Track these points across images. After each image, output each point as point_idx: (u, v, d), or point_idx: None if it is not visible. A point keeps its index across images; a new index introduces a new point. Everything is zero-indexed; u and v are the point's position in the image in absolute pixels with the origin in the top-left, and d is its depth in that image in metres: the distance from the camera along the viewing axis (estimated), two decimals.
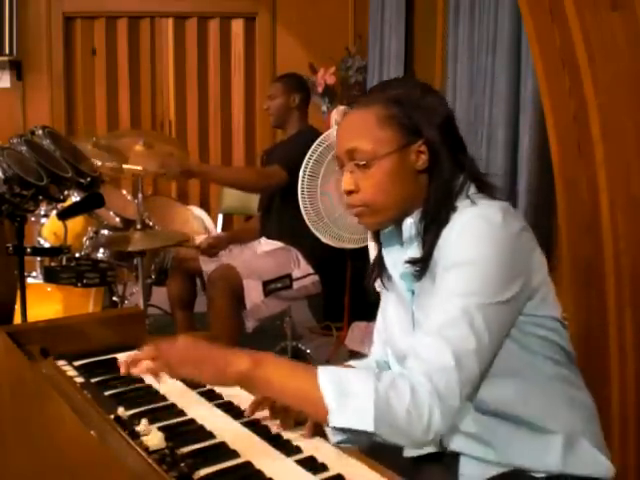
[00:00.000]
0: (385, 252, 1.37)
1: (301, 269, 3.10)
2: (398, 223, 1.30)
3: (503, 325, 1.16)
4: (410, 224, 1.27)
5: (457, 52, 3.35)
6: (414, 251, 1.27)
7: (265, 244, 3.20)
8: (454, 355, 1.08)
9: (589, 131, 1.78)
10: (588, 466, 1.23)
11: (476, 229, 1.17)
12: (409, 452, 1.36)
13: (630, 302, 1.80)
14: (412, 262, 1.24)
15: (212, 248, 3.19)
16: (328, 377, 1.06)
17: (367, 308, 3.25)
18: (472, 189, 1.26)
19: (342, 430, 1.06)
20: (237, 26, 4.86)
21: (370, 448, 1.36)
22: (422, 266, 1.23)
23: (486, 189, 1.27)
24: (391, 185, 1.24)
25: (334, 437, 1.10)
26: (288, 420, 1.20)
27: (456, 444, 1.27)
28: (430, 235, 1.22)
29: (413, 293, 1.30)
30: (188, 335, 1.17)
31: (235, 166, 3.16)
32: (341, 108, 2.89)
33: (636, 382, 1.81)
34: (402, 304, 1.34)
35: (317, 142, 2.56)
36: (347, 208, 1.31)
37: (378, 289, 1.46)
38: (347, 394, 1.05)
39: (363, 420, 1.04)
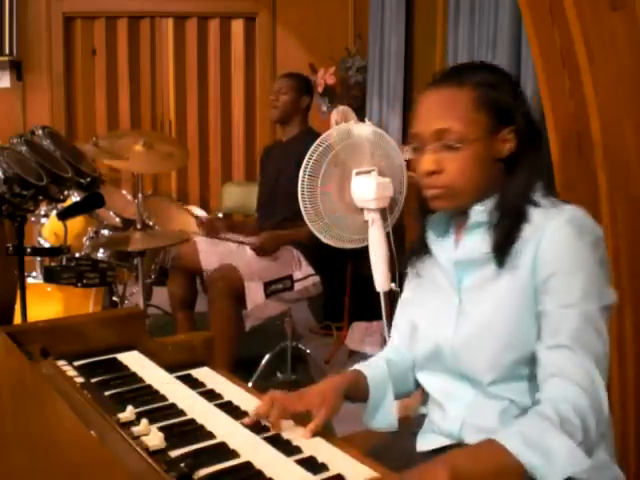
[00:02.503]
0: (431, 236, 1.35)
1: (302, 270, 3.10)
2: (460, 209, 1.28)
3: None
4: (479, 211, 1.25)
5: (457, 52, 3.35)
6: (475, 238, 1.26)
7: None
8: (596, 366, 1.10)
9: (589, 131, 1.78)
10: (601, 475, 1.22)
11: (572, 236, 1.17)
12: (422, 446, 1.36)
13: (630, 302, 1.79)
14: (499, 249, 1.21)
15: (211, 227, 3.15)
16: (515, 442, 1.01)
17: (367, 308, 3.27)
18: (543, 189, 1.25)
19: None
20: (237, 26, 4.86)
21: (381, 445, 1.36)
22: (502, 256, 1.21)
23: (550, 188, 1.28)
24: (476, 170, 1.22)
25: None
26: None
27: (474, 438, 1.26)
28: (505, 226, 1.21)
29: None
30: None
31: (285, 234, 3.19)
32: (341, 108, 2.89)
33: (636, 382, 1.81)
34: (440, 292, 1.32)
35: (317, 142, 2.55)
36: (424, 188, 1.27)
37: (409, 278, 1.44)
38: (544, 449, 1.01)
39: (576, 461, 1.02)
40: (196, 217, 3.18)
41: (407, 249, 1.43)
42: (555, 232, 1.18)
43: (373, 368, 1.40)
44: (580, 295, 1.14)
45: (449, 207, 1.28)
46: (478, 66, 1.31)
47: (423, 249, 1.37)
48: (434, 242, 1.35)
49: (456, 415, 1.29)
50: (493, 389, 1.23)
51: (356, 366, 1.40)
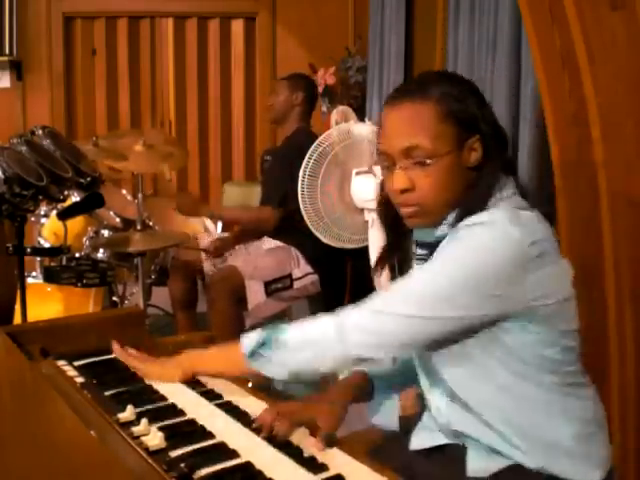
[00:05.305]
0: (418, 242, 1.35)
1: (301, 269, 3.10)
2: None
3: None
4: (442, 228, 1.25)
5: (457, 52, 3.34)
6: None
7: (267, 242, 3.21)
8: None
9: (589, 131, 1.78)
10: (593, 468, 1.22)
11: (477, 235, 1.16)
12: (414, 444, 1.36)
13: (630, 302, 1.80)
14: (422, 245, 1.25)
15: (218, 250, 3.19)
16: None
17: None
18: (509, 190, 1.24)
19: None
20: (237, 26, 4.86)
21: (381, 445, 1.36)
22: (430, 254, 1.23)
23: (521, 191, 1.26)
24: (448, 183, 1.22)
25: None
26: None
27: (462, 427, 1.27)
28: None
29: None
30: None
31: (242, 209, 3.28)
32: (341, 108, 2.89)
33: (636, 382, 1.81)
34: None
35: (317, 142, 2.56)
36: (399, 207, 1.26)
37: None
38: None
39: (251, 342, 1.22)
40: (202, 250, 3.20)
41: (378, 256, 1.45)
42: (463, 229, 1.18)
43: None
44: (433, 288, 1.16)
45: (425, 224, 1.27)
46: (439, 77, 1.29)
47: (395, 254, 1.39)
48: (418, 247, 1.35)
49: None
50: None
51: None
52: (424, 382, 1.33)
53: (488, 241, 1.15)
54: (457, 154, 1.21)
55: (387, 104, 1.26)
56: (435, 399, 1.30)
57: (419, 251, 1.30)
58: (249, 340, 1.25)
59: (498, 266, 1.14)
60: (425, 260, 1.26)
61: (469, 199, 1.22)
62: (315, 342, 1.20)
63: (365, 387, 1.37)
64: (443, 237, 1.23)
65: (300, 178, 2.55)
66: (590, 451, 1.24)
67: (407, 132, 1.21)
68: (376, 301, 1.20)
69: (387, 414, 1.39)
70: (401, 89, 1.28)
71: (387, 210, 1.33)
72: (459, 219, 1.21)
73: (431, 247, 1.24)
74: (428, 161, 1.20)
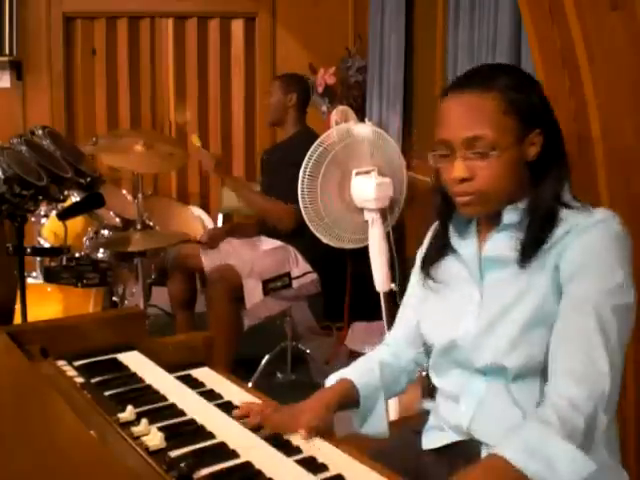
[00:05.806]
0: (453, 233, 1.34)
1: (299, 267, 3.10)
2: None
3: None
4: (512, 212, 1.25)
5: (457, 52, 3.34)
6: (504, 237, 1.25)
7: (265, 242, 3.20)
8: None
9: (589, 131, 1.78)
10: (606, 477, 1.23)
11: (602, 237, 1.17)
12: (428, 444, 1.36)
13: None
14: (526, 250, 1.22)
15: (212, 240, 3.19)
16: (518, 453, 1.01)
17: (367, 308, 3.27)
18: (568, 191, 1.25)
19: None
20: (237, 26, 4.86)
21: (383, 445, 1.36)
22: (527, 257, 1.21)
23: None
24: (508, 175, 1.22)
25: None
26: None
27: (483, 433, 1.26)
28: (537, 228, 1.21)
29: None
30: None
31: (265, 197, 3.21)
32: (341, 108, 2.89)
33: (636, 382, 1.81)
34: (461, 289, 1.31)
35: (317, 142, 2.56)
36: (454, 195, 1.26)
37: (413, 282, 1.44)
38: (546, 457, 1.01)
39: (578, 467, 1.03)
40: (197, 241, 3.20)
41: (424, 254, 1.41)
42: (584, 232, 1.18)
43: (364, 374, 1.39)
44: (598, 292, 1.14)
45: (480, 213, 1.28)
46: (501, 68, 1.28)
47: (439, 252, 1.36)
48: (456, 239, 1.34)
49: (467, 409, 1.28)
50: (515, 369, 1.22)
51: (347, 373, 1.39)
52: (458, 378, 1.31)
53: (617, 242, 1.18)
54: (518, 147, 1.21)
55: (449, 93, 1.25)
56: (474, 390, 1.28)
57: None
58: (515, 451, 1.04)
59: (627, 261, 1.19)
60: (522, 261, 1.23)
61: (541, 191, 1.23)
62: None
63: (351, 397, 1.35)
64: (512, 224, 1.24)
65: (300, 178, 2.55)
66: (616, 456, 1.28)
67: (471, 122, 1.20)
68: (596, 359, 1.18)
69: (376, 423, 1.38)
70: (463, 79, 1.26)
71: (439, 199, 1.33)
72: (532, 210, 1.23)
73: (531, 249, 1.22)
74: (490, 152, 1.20)
